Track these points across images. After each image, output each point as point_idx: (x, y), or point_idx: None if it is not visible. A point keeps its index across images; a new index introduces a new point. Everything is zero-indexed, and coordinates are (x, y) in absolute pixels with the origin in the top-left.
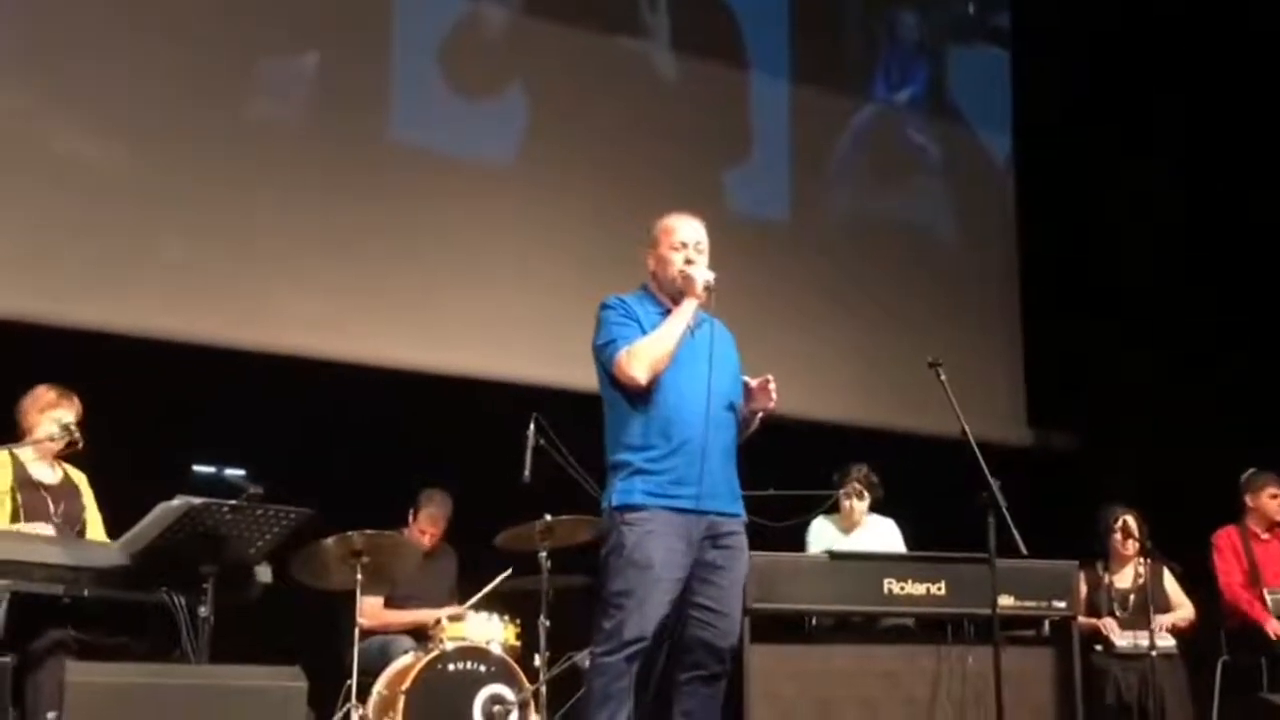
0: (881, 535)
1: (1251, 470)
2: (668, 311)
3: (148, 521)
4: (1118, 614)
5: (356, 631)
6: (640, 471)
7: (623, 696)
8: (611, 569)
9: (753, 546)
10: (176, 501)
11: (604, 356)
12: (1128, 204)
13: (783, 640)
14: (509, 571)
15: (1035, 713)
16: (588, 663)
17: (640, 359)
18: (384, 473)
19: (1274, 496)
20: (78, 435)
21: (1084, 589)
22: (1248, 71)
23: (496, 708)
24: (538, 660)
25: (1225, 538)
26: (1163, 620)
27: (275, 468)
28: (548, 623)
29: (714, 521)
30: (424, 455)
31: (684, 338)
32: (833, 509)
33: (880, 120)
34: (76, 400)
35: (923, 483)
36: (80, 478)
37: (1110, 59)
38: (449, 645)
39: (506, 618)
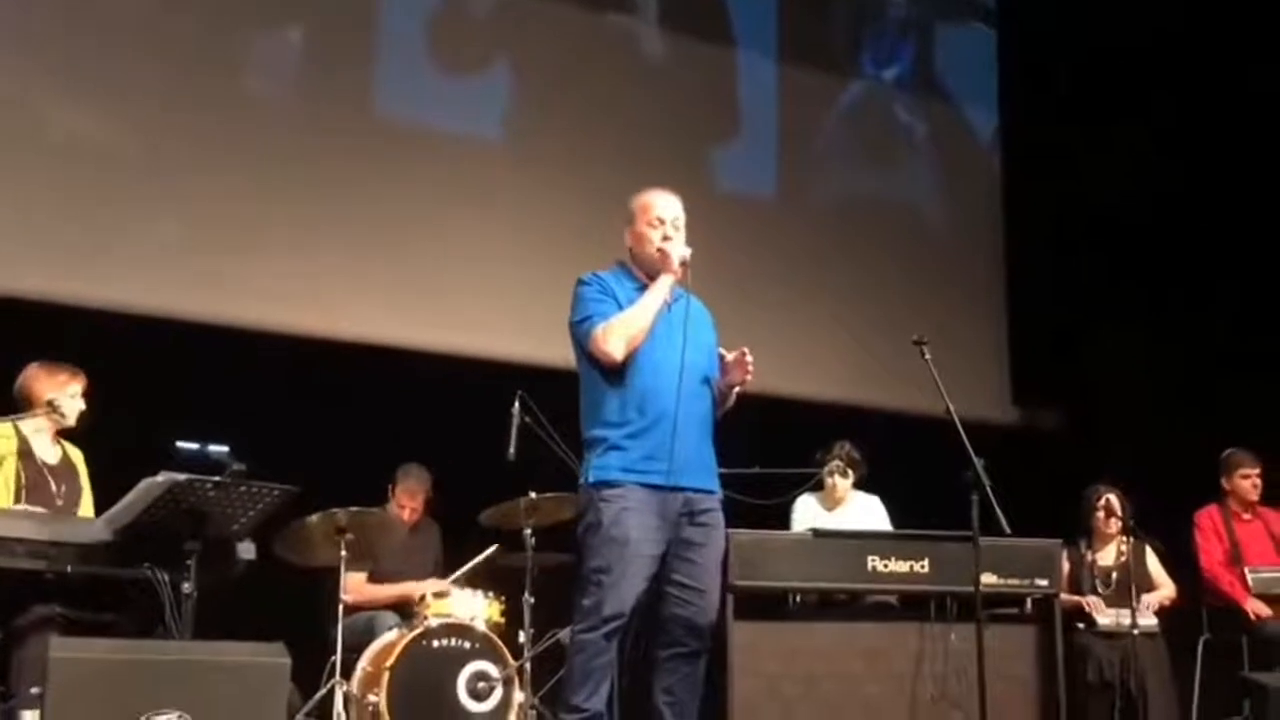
0: (866, 512)
1: (1229, 451)
2: (644, 288)
3: (131, 497)
4: (1100, 592)
5: (340, 608)
6: (615, 447)
7: (604, 673)
8: (589, 546)
9: (737, 524)
10: (160, 477)
11: (580, 332)
12: (1113, 181)
13: (766, 618)
14: (496, 546)
15: (1017, 690)
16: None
17: (616, 334)
18: (369, 450)
19: (1246, 477)
20: (66, 411)
21: (1066, 566)
22: (1239, 44)
23: (481, 684)
24: (522, 637)
25: (1207, 517)
26: (1149, 599)
27: (258, 444)
28: (532, 600)
29: (690, 498)
30: (409, 432)
31: (660, 313)
32: (817, 486)
33: (867, 98)
34: (83, 376)
35: (907, 460)
36: (77, 455)
37: (1097, 36)
38: (434, 622)
39: (491, 595)
